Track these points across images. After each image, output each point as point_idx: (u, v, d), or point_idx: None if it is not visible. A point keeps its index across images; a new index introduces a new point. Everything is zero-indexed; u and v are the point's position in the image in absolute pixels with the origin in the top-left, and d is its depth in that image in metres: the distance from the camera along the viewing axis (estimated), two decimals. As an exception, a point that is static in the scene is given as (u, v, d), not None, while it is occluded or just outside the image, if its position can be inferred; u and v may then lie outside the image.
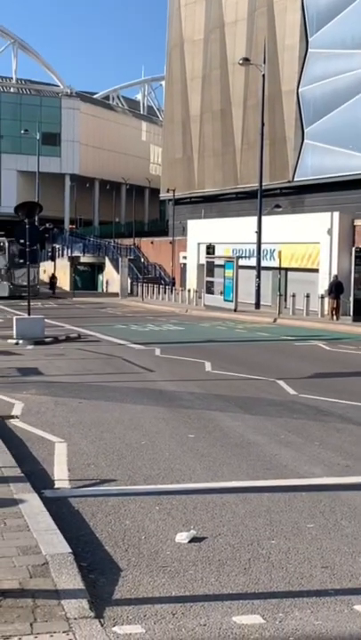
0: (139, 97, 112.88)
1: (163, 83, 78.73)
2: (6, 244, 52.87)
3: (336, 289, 33.94)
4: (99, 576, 5.53)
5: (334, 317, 33.55)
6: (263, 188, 40.27)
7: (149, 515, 6.95)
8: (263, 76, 39.68)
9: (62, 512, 6.90)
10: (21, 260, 25.56)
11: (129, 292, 55.64)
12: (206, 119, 60.55)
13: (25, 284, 52.11)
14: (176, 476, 8.30)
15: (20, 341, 22.84)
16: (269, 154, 48.94)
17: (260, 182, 39.49)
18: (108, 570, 5.67)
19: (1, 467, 7.84)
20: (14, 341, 22.87)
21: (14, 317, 25.07)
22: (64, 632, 4.45)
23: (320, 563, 5.85)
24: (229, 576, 5.58)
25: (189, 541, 6.23)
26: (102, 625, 4.62)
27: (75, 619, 4.61)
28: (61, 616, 4.64)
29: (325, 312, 35.60)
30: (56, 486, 7.86)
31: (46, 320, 25.89)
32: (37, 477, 7.97)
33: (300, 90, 49.24)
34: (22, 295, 48.22)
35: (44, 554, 5.58)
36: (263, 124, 39.49)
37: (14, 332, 23.51)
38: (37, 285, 54.85)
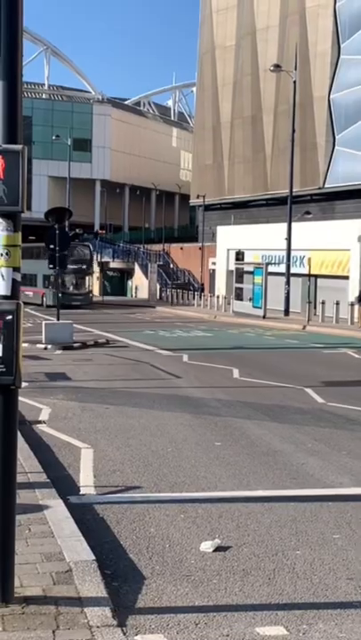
0: (170, 103, 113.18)
1: (194, 89, 78.83)
2: None
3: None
4: (122, 584, 5.51)
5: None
6: (293, 194, 40.14)
7: (174, 523, 6.93)
8: (294, 82, 39.58)
9: (87, 519, 6.90)
10: (51, 265, 25.56)
11: (158, 297, 55.68)
12: (237, 125, 60.52)
13: (77, 291, 50.30)
14: (202, 484, 8.27)
15: (49, 346, 22.95)
16: (300, 160, 48.77)
17: (291, 189, 39.36)
18: (132, 578, 5.65)
19: (27, 472, 7.86)
20: (43, 346, 22.98)
21: (43, 322, 25.20)
22: (86, 640, 4.43)
23: (345, 574, 5.78)
24: (253, 586, 5.54)
25: (214, 550, 6.19)
26: (125, 634, 4.61)
27: (97, 627, 4.60)
28: (84, 624, 4.63)
29: (355, 319, 35.34)
30: (81, 492, 7.86)
31: (75, 325, 25.99)
32: (63, 483, 7.98)
33: (331, 96, 49.06)
34: (73, 304, 45.87)
35: (68, 561, 5.58)
36: (294, 131, 39.37)
37: (43, 336, 23.63)
38: (90, 293, 51.83)
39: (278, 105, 54.16)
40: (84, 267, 51.00)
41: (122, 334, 28.06)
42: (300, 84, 44.53)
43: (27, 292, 46.70)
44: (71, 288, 48.96)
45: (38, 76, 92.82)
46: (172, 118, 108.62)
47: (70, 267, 46.31)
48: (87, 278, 51.39)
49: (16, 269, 4.88)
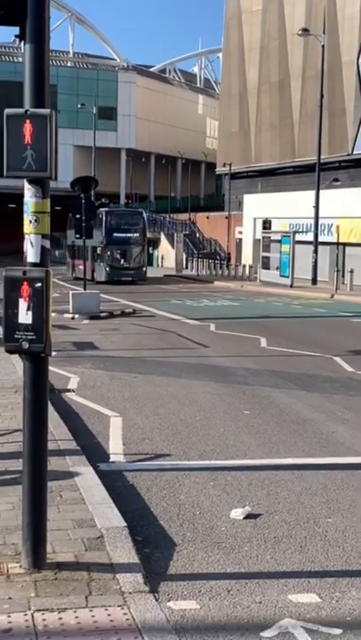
0: (195, 70, 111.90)
1: (220, 55, 77.80)
2: (103, 216, 42.64)
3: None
4: (153, 550, 5.53)
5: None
6: (321, 161, 39.63)
7: (204, 490, 6.92)
8: (323, 46, 38.90)
9: (117, 486, 6.92)
10: (77, 235, 25.51)
11: (184, 267, 55.51)
12: (264, 91, 59.72)
13: (128, 265, 42.31)
14: (231, 452, 8.26)
15: (76, 316, 23.00)
16: (328, 126, 48.03)
17: (319, 156, 38.85)
18: (163, 544, 5.66)
19: (57, 439, 7.89)
20: (70, 316, 23.04)
21: (70, 292, 25.25)
22: (119, 606, 4.45)
23: (378, 542, 5.74)
24: (285, 554, 5.52)
25: (244, 518, 6.18)
26: (157, 600, 4.62)
27: (129, 593, 4.61)
28: (116, 590, 4.65)
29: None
30: (111, 460, 7.89)
31: (102, 295, 26.01)
32: (93, 451, 8.01)
33: (360, 60, 48.15)
34: (123, 280, 41.28)
35: (100, 527, 5.60)
36: (322, 96, 38.77)
37: (70, 306, 23.68)
38: (144, 267, 44.63)
39: (306, 70, 53.31)
40: (137, 235, 44.36)
41: (148, 304, 28.04)
42: (329, 49, 43.76)
43: (79, 266, 42.18)
44: (122, 261, 42.69)
45: (63, 44, 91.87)
46: (198, 85, 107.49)
47: (118, 235, 42.12)
48: (140, 250, 44.44)
49: (45, 236, 4.83)
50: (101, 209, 43.39)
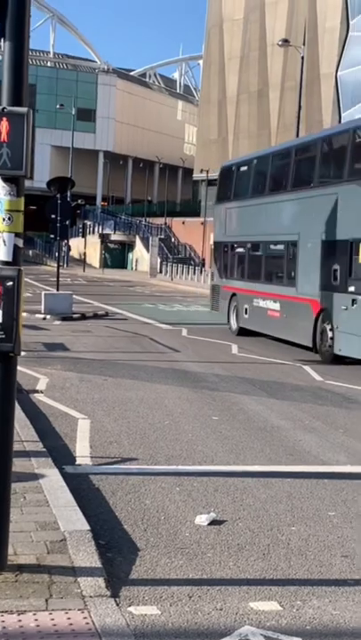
0: (176, 76, 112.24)
1: (200, 62, 78.15)
2: None
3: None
4: (116, 555, 5.50)
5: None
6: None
7: (170, 495, 6.91)
8: (302, 58, 39.16)
9: (82, 489, 6.88)
10: (52, 235, 25.51)
11: (158, 271, 55.56)
12: (243, 100, 60.06)
13: None
14: (198, 458, 8.25)
15: (48, 316, 22.90)
16: (305, 137, 48.41)
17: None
18: (126, 549, 5.63)
19: (23, 441, 7.83)
20: (42, 316, 22.94)
21: (43, 292, 25.13)
22: (79, 610, 4.42)
23: (340, 551, 5.77)
24: (248, 561, 5.52)
25: (209, 524, 6.17)
26: (118, 604, 4.59)
27: (90, 597, 4.58)
28: (77, 593, 4.61)
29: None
30: (77, 462, 7.84)
31: (75, 297, 25.93)
32: (59, 453, 7.96)
33: (339, 73, 48.61)
34: None
35: (63, 530, 5.55)
36: (300, 107, 39.01)
37: (42, 306, 23.58)
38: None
39: (285, 81, 53.71)
40: None
41: (121, 307, 28.00)
42: (308, 61, 44.12)
43: None
44: None
45: (44, 44, 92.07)
46: (178, 91, 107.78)
47: None
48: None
49: (18, 235, 4.80)
50: None
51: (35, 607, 4.41)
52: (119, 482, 7.21)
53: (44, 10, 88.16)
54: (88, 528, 5.60)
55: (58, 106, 71.75)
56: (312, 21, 49.86)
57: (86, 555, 5.15)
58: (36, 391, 11.47)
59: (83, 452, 8.23)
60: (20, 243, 4.82)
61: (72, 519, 5.76)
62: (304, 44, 40.50)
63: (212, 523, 6.20)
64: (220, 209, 23.31)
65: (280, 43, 40.45)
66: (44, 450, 7.68)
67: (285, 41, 40.53)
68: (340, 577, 5.32)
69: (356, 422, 10.36)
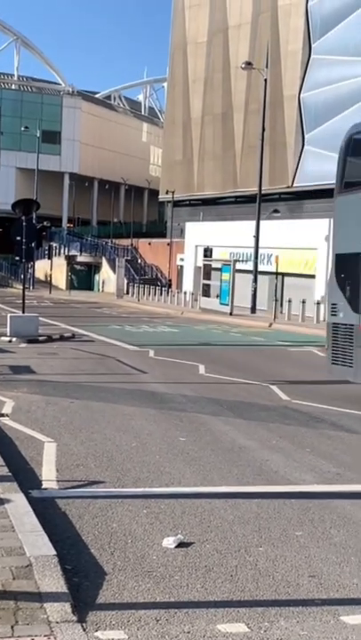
0: (140, 98, 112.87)
1: (165, 84, 78.75)
2: None
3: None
4: (83, 579, 5.45)
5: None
6: (262, 192, 40.24)
7: (137, 518, 6.88)
8: (265, 80, 39.66)
9: (49, 513, 6.82)
10: (17, 258, 25.42)
11: (125, 292, 55.53)
12: (207, 122, 60.52)
13: None
14: (165, 480, 8.23)
15: (14, 339, 22.74)
16: (269, 159, 48.91)
17: (260, 187, 39.45)
18: (93, 573, 5.59)
19: (-12, 465, 7.75)
20: (7, 339, 22.77)
21: (8, 315, 24.97)
22: (45, 636, 4.37)
23: (307, 571, 5.78)
24: (215, 583, 5.51)
25: (176, 546, 6.15)
26: (84, 629, 4.55)
27: (57, 622, 4.53)
28: (43, 619, 4.57)
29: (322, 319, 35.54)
30: (43, 487, 7.78)
31: (41, 319, 25.80)
32: (25, 477, 7.89)
33: (301, 95, 49.26)
34: None
35: (29, 555, 5.50)
36: (264, 129, 39.46)
37: (8, 329, 23.42)
38: None
39: (249, 103, 54.26)
40: None
41: (88, 328, 27.91)
42: (271, 83, 44.65)
43: None
44: None
45: (7, 67, 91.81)
46: (143, 113, 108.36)
47: None
48: None
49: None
50: None
51: (1, 634, 4.36)
52: (86, 505, 7.16)
53: (8, 33, 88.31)
54: (54, 553, 5.55)
55: (22, 128, 71.68)
56: (274, 44, 50.53)
57: (52, 580, 5.10)
58: (2, 415, 11.36)
59: (49, 476, 8.16)
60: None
61: (38, 544, 5.71)
62: (267, 67, 40.99)
63: (180, 545, 6.19)
64: (351, 200, 14.35)
65: (243, 65, 40.97)
66: (10, 474, 7.61)
67: (248, 64, 41.04)
68: (308, 597, 5.33)
69: (323, 442, 10.41)
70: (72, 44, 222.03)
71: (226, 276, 38.83)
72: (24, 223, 24.08)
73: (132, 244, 68.57)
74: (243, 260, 42.40)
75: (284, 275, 41.59)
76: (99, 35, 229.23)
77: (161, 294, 50.74)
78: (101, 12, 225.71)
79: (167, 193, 62.68)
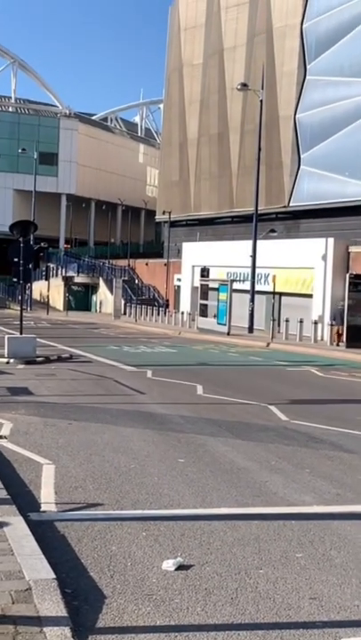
0: (137, 119, 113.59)
1: (161, 106, 79.20)
2: None
3: (342, 316, 33.97)
4: (82, 603, 5.42)
5: (340, 343, 33.22)
6: (259, 212, 40.41)
7: (136, 541, 6.84)
8: (261, 101, 39.92)
9: (48, 536, 6.79)
10: (15, 279, 25.44)
11: (122, 312, 55.55)
12: (203, 143, 60.85)
13: None
14: (164, 502, 8.20)
15: (12, 360, 22.71)
16: (266, 179, 49.14)
17: (256, 207, 39.61)
18: (93, 597, 5.56)
19: (-13, 488, 7.72)
20: (5, 360, 22.74)
21: (6, 336, 24.95)
22: (45, 661, 4.34)
23: (308, 593, 5.75)
24: (216, 606, 5.47)
25: (176, 569, 6.12)
26: (84, 655, 4.52)
27: (56, 647, 4.50)
28: (43, 644, 4.53)
29: (319, 338, 35.57)
30: (42, 509, 7.74)
31: (39, 340, 25.77)
32: (23, 500, 7.85)
33: (297, 116, 49.57)
34: None
35: (28, 579, 5.47)
36: (260, 149, 39.68)
37: (5, 350, 23.39)
38: None
39: (245, 123, 54.59)
40: None
41: (85, 349, 27.89)
42: (267, 104, 44.95)
43: None
44: None
45: (5, 89, 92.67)
46: (139, 134, 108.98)
47: None
48: None
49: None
50: None
51: (-1, 661, 4.32)
52: (85, 528, 7.12)
53: (6, 56, 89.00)
54: (53, 576, 5.52)
55: (20, 150, 72.08)
56: (270, 65, 50.93)
57: (52, 604, 5.07)
58: (0, 437, 11.32)
59: (48, 499, 8.12)
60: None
61: (37, 568, 5.68)
62: (262, 88, 41.27)
63: (180, 567, 6.15)
64: None
65: (239, 87, 41.23)
66: (8, 497, 7.58)
67: (244, 85, 41.30)
68: (309, 619, 5.29)
69: (322, 462, 10.38)
70: (69, 67, 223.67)
71: (223, 295, 38.88)
72: (21, 244, 24.13)
73: (129, 265, 68.70)
74: (240, 280, 42.49)
75: (281, 294, 41.67)
76: (95, 57, 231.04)
77: (158, 314, 50.77)
78: (98, 35, 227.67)
79: (164, 213, 62.92)
